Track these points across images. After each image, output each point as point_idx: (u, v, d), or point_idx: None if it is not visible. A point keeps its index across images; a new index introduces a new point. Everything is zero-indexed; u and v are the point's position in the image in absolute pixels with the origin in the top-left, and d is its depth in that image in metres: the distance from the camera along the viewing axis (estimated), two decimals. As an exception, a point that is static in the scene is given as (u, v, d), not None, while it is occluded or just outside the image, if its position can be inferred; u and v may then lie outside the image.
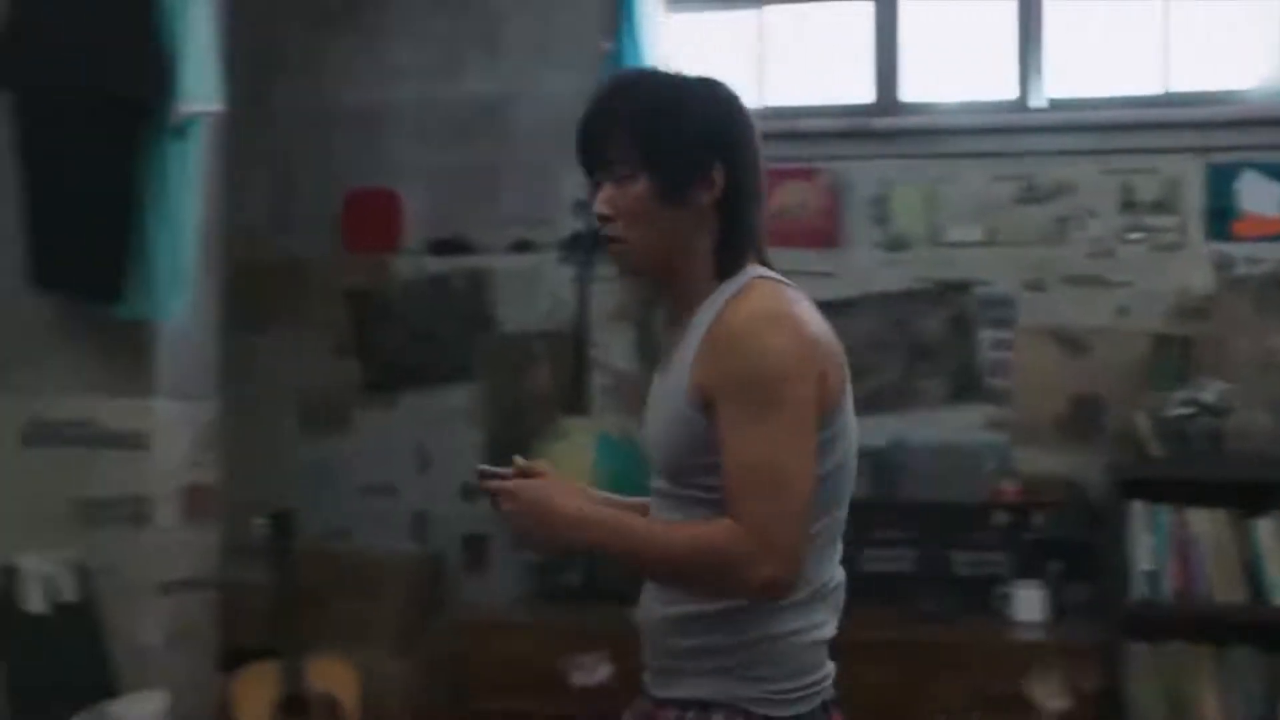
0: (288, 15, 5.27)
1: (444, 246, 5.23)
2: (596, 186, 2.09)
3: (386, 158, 5.28)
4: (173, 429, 4.01)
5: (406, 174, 5.26)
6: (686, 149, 2.04)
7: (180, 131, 3.62)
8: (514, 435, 4.96)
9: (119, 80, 3.61)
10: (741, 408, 1.89)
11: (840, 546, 2.05)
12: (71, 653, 3.56)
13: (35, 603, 3.38)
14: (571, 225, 5.07)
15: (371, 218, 5.28)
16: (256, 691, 4.25)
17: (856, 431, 2.06)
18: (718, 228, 2.06)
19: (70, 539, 3.82)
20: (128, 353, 3.93)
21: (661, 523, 2.00)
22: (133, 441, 3.92)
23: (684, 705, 1.98)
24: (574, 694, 4.33)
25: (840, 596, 2.05)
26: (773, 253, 2.09)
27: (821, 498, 1.93)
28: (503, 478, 1.99)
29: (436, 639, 4.86)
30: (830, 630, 2.02)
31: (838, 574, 2.05)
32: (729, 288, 2.01)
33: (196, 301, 3.92)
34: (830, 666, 2.02)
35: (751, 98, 2.36)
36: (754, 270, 2.05)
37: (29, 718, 3.29)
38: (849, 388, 2.03)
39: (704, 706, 1.96)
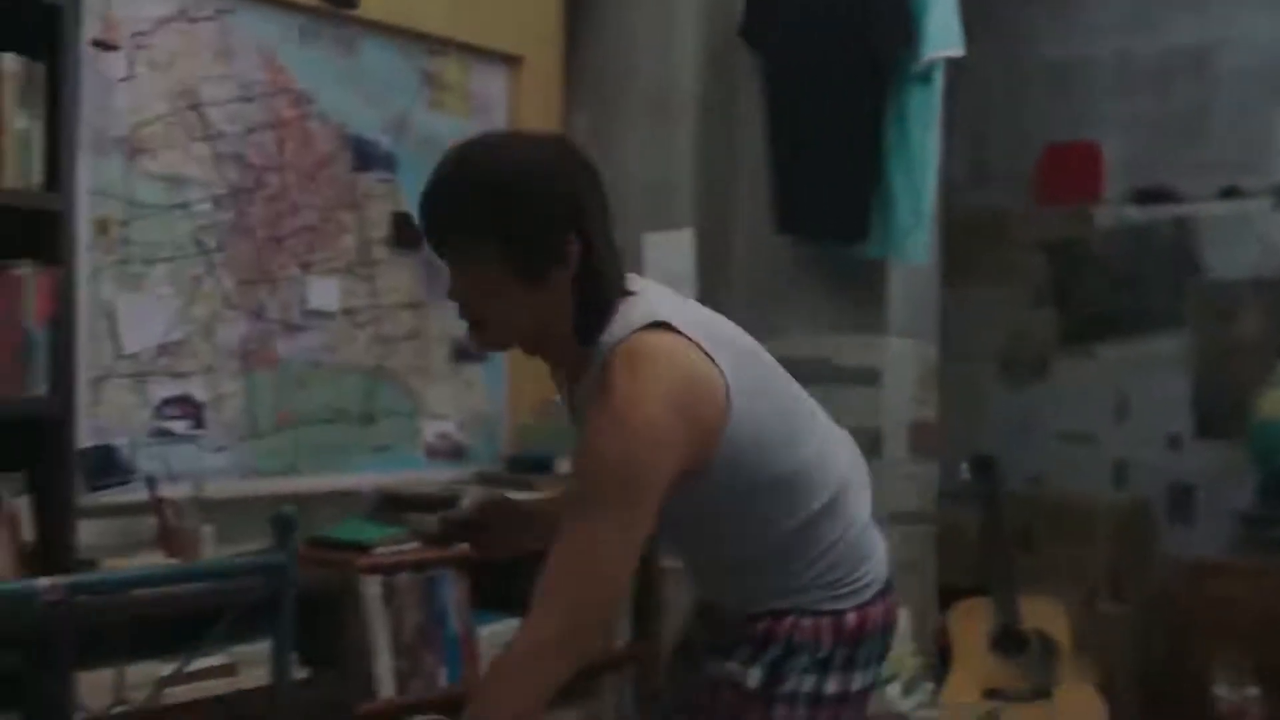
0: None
1: (1147, 195, 5.21)
2: (443, 260, 2.02)
3: (1084, 110, 5.33)
4: (902, 366, 4.22)
5: (1106, 126, 5.28)
6: (539, 224, 1.94)
7: (924, 77, 3.81)
8: (1222, 383, 4.88)
9: (868, 35, 3.84)
10: (578, 497, 1.91)
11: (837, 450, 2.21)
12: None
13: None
14: (1285, 170, 4.94)
15: (1070, 170, 5.34)
16: (971, 624, 4.41)
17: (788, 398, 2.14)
18: (576, 298, 1.99)
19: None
20: (863, 293, 4.17)
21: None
22: (866, 377, 4.16)
23: (757, 617, 2.13)
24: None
25: (860, 493, 2.22)
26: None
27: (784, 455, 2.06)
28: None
29: (1148, 583, 4.86)
30: (859, 526, 2.17)
31: (838, 477, 2.17)
32: (600, 355, 1.98)
33: (926, 243, 4.10)
34: (879, 552, 2.22)
35: None
36: (619, 326, 1.98)
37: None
38: (772, 383, 2.10)
39: (777, 615, 2.11)
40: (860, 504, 2.23)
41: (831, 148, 3.92)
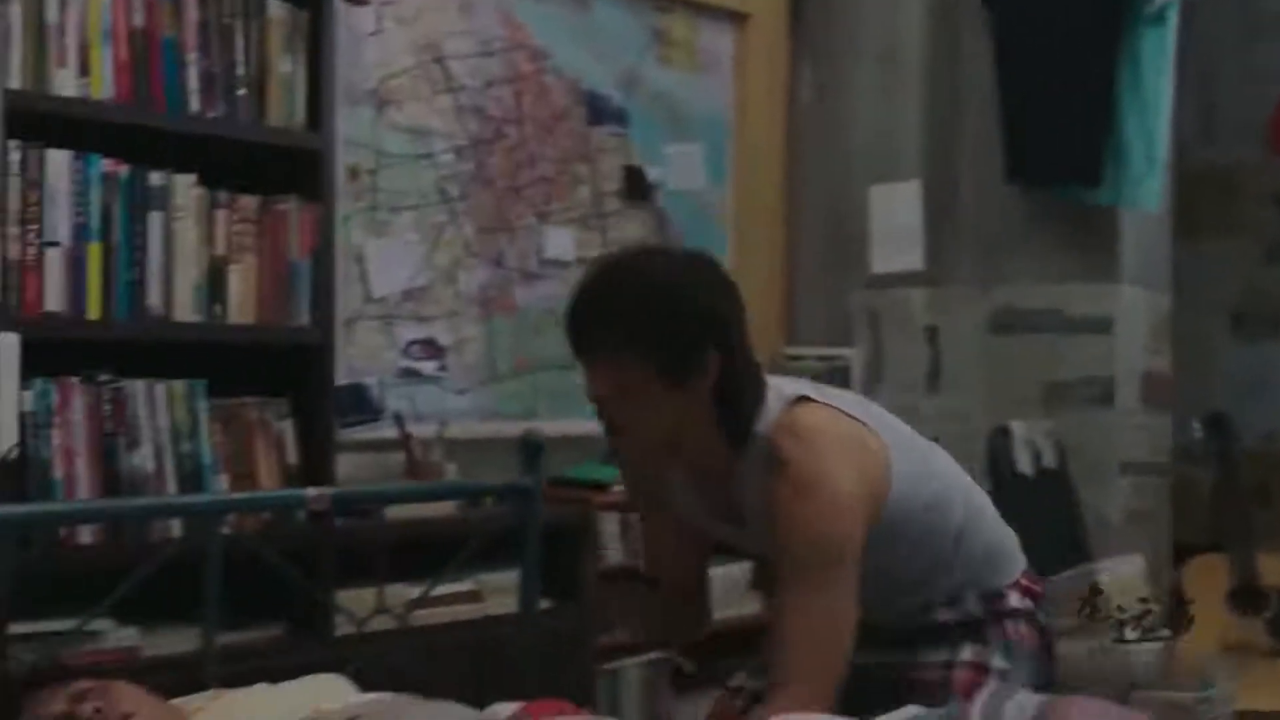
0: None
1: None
2: (588, 369, 2.12)
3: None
4: (1134, 315, 4.17)
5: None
6: (683, 336, 2.06)
7: (1158, 17, 3.76)
8: None
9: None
10: (797, 571, 2.06)
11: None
12: (1052, 514, 3.83)
13: (1023, 464, 3.68)
14: None
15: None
16: (1208, 581, 4.32)
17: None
18: (715, 409, 2.12)
19: (1041, 418, 4.08)
20: (1094, 241, 4.13)
21: None
22: (1098, 326, 4.12)
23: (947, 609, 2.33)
24: None
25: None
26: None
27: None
28: None
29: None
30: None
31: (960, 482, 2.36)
32: (759, 444, 2.12)
33: (1158, 190, 4.04)
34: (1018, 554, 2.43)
35: None
36: (770, 413, 2.14)
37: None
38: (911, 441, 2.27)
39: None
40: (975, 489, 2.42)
41: (1063, 91, 3.90)
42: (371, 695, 2.08)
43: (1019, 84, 4.02)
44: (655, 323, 2.06)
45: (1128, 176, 3.87)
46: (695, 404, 2.12)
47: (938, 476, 2.30)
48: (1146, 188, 3.89)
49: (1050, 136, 3.96)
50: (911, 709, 1.88)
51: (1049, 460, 3.82)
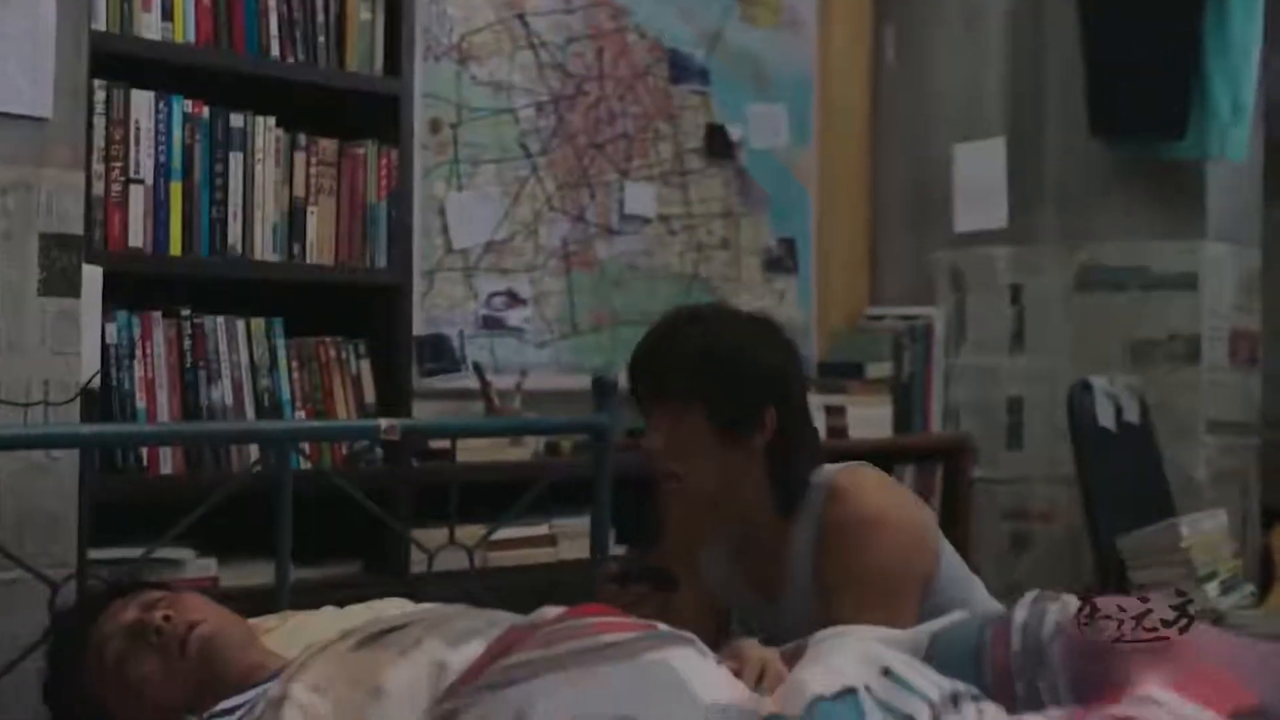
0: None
1: None
2: (648, 419, 2.18)
3: None
4: (1221, 271, 4.11)
5: None
6: (750, 393, 2.12)
7: (1244, -36, 3.72)
8: None
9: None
10: (861, 607, 2.01)
11: None
12: (1135, 469, 3.80)
13: (1105, 418, 3.64)
14: None
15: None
16: (1296, 544, 4.27)
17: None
18: (769, 467, 2.17)
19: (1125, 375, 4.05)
20: (1179, 195, 4.08)
21: None
22: (1183, 283, 4.07)
23: None
24: None
25: None
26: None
27: None
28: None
29: None
30: None
31: None
32: (813, 503, 2.17)
33: (1246, 142, 3.99)
34: None
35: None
36: (829, 474, 2.20)
37: (1103, 521, 3.55)
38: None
39: None
40: None
41: (1148, 42, 3.84)
42: (427, 604, 2.12)
43: (1103, 36, 3.97)
44: (716, 376, 2.13)
45: (1213, 126, 3.82)
46: (750, 461, 2.18)
47: (975, 592, 2.30)
48: (1232, 137, 3.84)
49: (1135, 89, 3.91)
50: (958, 614, 1.89)
51: (1131, 415, 3.78)
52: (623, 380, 2.45)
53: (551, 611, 1.76)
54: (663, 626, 1.73)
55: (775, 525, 2.23)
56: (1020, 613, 1.72)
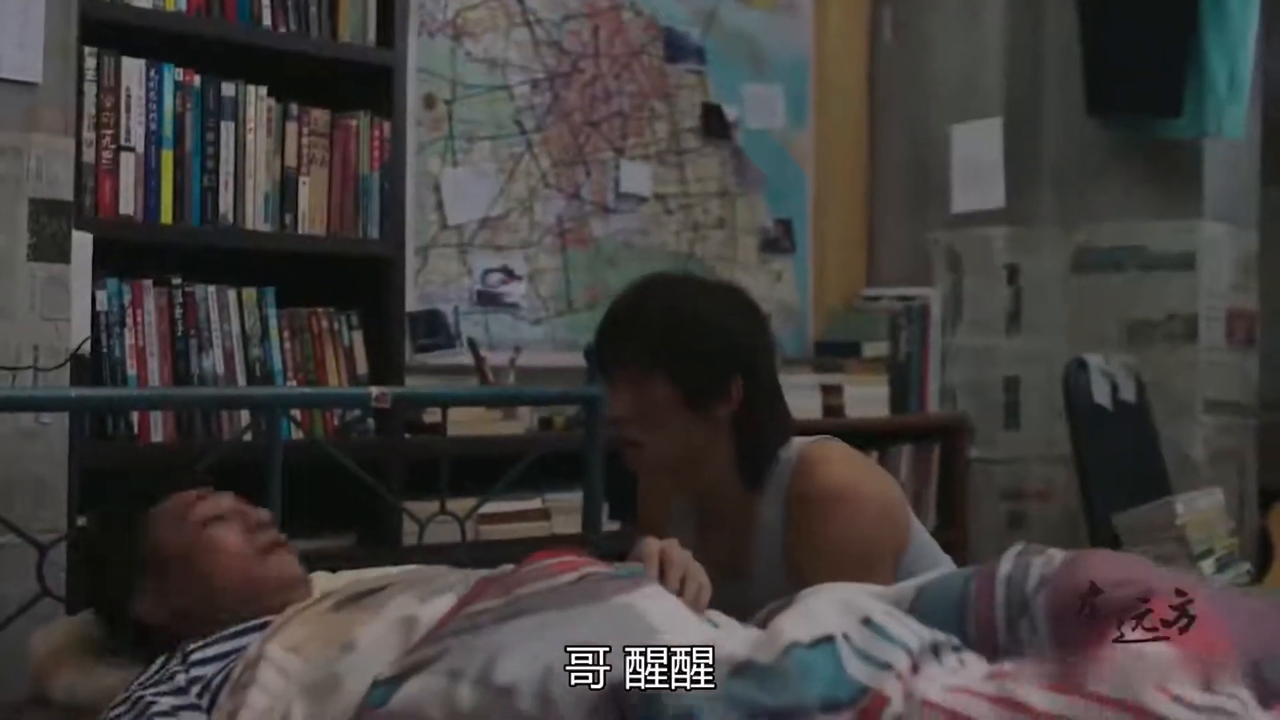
0: None
1: None
2: (611, 387, 2.14)
3: None
4: (1218, 251, 4.12)
5: None
6: (717, 362, 2.08)
7: (1244, -61, 3.71)
8: None
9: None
10: (840, 570, 1.89)
11: None
12: (1130, 447, 3.79)
13: (1101, 396, 3.64)
14: None
15: None
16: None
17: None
18: (735, 439, 2.13)
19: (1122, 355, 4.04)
20: (1176, 175, 4.08)
21: None
22: (1180, 262, 4.07)
23: None
24: None
25: None
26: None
27: None
28: None
29: None
30: None
31: None
32: (781, 476, 2.13)
33: (1244, 120, 3.98)
34: None
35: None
36: (797, 447, 2.16)
37: (1099, 499, 3.55)
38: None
39: None
40: None
41: (1145, 20, 3.84)
42: (410, 566, 2.13)
43: (1100, 14, 3.97)
44: (680, 343, 2.09)
45: (1210, 102, 3.82)
46: (716, 432, 2.14)
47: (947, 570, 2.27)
48: (1230, 114, 3.84)
49: (1131, 67, 3.91)
50: (945, 569, 1.88)
51: (1127, 394, 3.78)
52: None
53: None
54: (628, 565, 1.74)
55: (741, 499, 2.19)
56: (1005, 565, 1.70)
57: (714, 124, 4.16)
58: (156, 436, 2.76)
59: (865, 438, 3.64)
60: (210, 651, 1.80)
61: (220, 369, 2.82)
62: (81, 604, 2.16)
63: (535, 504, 3.34)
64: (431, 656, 1.54)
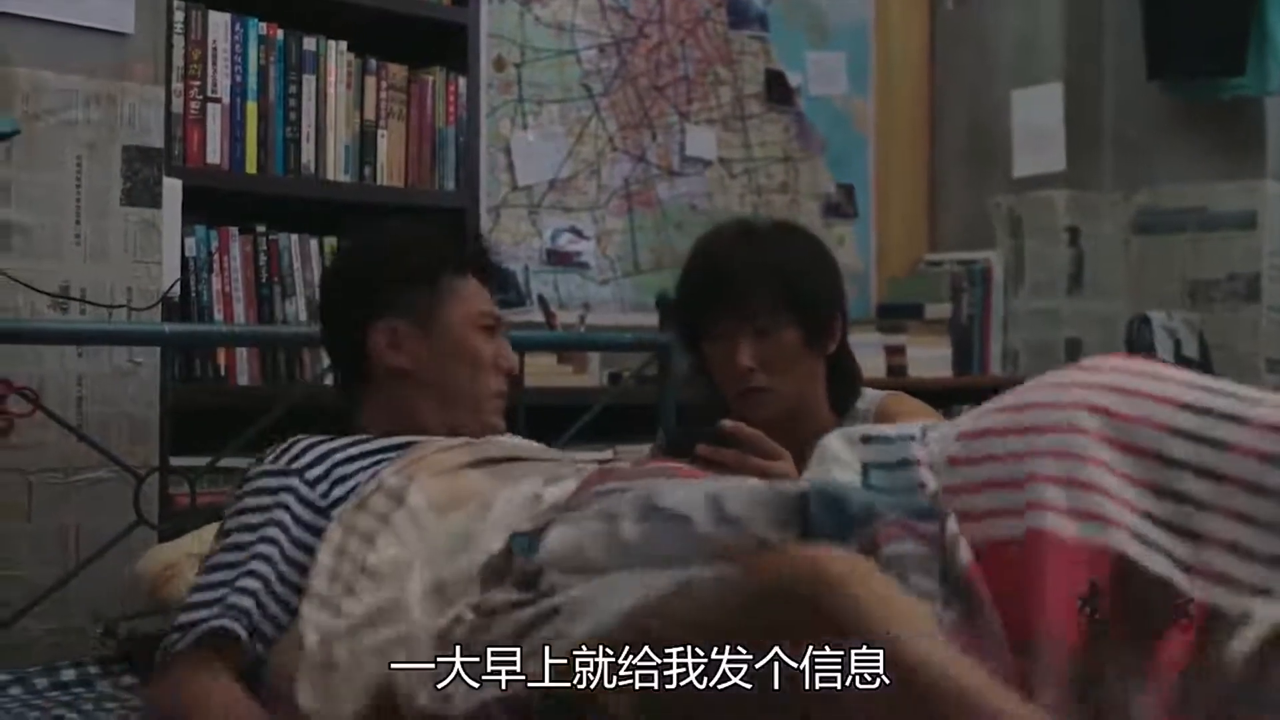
0: None
1: None
2: (729, 336, 2.11)
3: None
4: (1280, 209, 4.14)
5: None
6: (827, 302, 2.15)
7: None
8: None
9: None
10: None
11: None
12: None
13: (1164, 351, 3.67)
14: None
15: None
16: None
17: None
18: (829, 369, 2.19)
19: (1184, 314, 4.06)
20: (1238, 135, 4.09)
21: None
22: (1242, 222, 4.09)
23: None
24: None
25: None
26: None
27: None
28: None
29: None
30: None
31: None
32: (859, 420, 2.15)
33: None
34: None
35: None
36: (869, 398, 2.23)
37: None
38: None
39: None
40: None
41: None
42: (525, 442, 2.12)
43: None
44: (803, 290, 2.12)
45: (1273, 59, 3.83)
46: (820, 368, 2.19)
47: None
48: (1289, 72, 3.86)
49: (1192, 28, 3.93)
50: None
51: (1190, 350, 3.81)
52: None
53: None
54: None
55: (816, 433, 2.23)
56: None
57: (777, 90, 4.22)
58: (242, 379, 2.84)
59: (928, 398, 3.64)
60: (383, 443, 1.85)
61: (303, 315, 2.90)
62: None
63: (606, 455, 3.40)
64: (575, 507, 1.50)
